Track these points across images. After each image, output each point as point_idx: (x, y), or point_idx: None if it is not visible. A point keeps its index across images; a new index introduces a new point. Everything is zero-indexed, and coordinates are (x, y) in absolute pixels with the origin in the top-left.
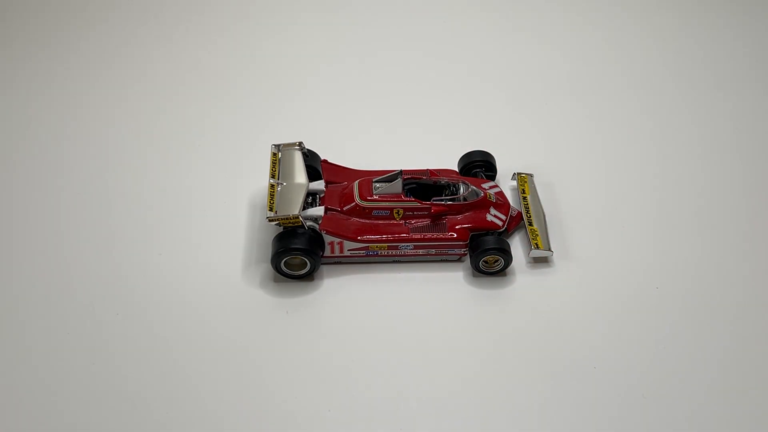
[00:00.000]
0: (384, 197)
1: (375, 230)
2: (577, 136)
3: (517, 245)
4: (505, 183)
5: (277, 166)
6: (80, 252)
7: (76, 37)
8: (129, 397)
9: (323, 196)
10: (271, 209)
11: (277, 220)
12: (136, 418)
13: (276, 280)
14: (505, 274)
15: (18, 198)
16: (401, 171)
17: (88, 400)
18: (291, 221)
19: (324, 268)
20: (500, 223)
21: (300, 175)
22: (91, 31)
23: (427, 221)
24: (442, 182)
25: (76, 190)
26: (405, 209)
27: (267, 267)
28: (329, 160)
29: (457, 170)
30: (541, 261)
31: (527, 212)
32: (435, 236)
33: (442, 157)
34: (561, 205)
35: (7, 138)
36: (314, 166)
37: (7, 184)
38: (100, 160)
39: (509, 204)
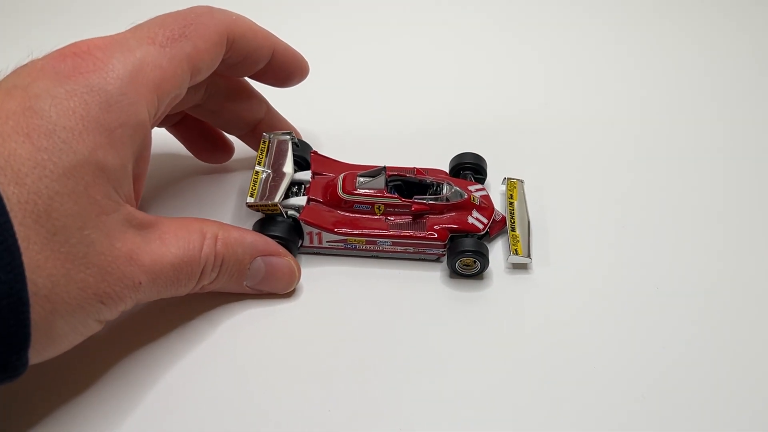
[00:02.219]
0: (366, 192)
1: (354, 224)
2: (574, 142)
3: (498, 250)
4: (498, 188)
5: (265, 154)
6: None
7: (64, 21)
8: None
9: (308, 187)
10: (251, 195)
11: (257, 206)
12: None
13: None
14: (482, 278)
15: None
16: (385, 167)
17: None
18: (270, 208)
19: (303, 258)
20: (481, 226)
21: (286, 164)
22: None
23: (407, 219)
24: (427, 181)
25: None
26: (386, 205)
27: None
28: (319, 152)
29: (447, 170)
30: (521, 267)
31: (511, 218)
32: (413, 234)
33: (437, 155)
34: (552, 212)
35: None
36: (304, 156)
37: None
38: None
39: (493, 208)
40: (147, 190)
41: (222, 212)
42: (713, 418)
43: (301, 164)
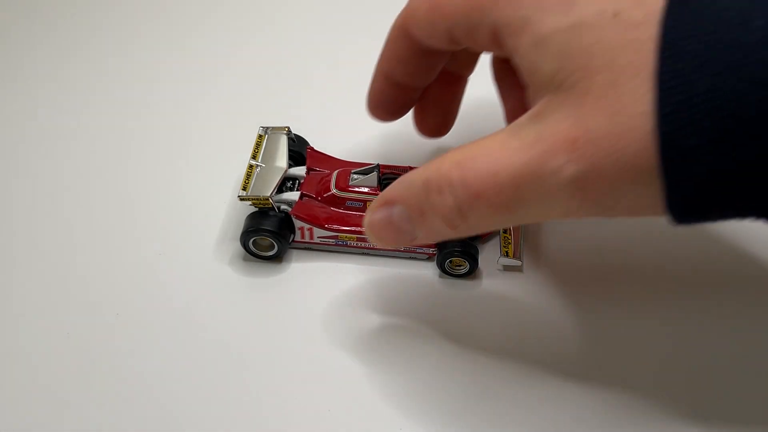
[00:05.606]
0: (359, 189)
1: (345, 220)
2: None
3: (490, 251)
4: None
5: (260, 148)
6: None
7: (51, 17)
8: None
9: (302, 182)
10: (244, 188)
11: (248, 199)
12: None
13: (245, 259)
14: (471, 278)
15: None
16: (378, 165)
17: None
18: (261, 202)
19: (294, 253)
20: None
21: (281, 159)
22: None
23: None
24: None
25: (54, 174)
26: None
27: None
28: (315, 148)
29: None
30: (512, 270)
31: None
32: None
33: (434, 155)
34: None
35: None
36: (300, 152)
37: None
38: (82, 141)
39: None
40: (142, 180)
41: (216, 204)
42: (715, 418)
43: (297, 159)
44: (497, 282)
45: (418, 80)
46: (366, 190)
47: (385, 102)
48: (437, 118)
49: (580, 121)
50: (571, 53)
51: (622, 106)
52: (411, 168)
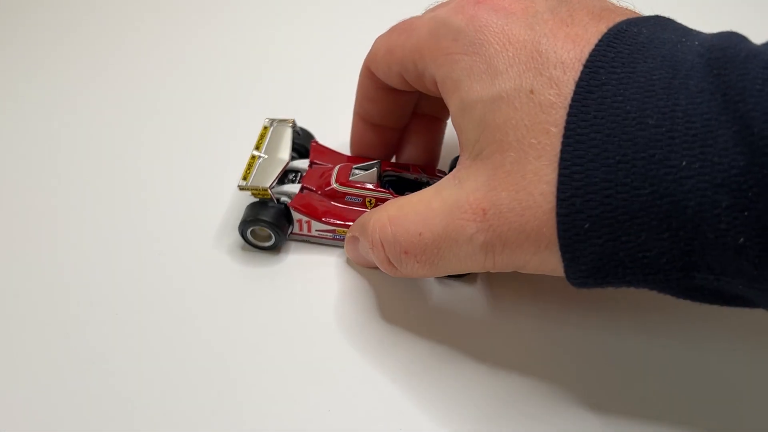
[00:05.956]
0: (359, 184)
1: (343, 215)
2: None
3: None
4: None
5: (264, 139)
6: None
7: (53, 11)
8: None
9: (304, 175)
10: (244, 178)
11: (248, 189)
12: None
13: (244, 249)
14: (469, 279)
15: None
16: (379, 161)
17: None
18: (261, 193)
19: (293, 245)
20: None
21: (284, 151)
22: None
23: None
24: (423, 179)
25: (56, 170)
26: (378, 199)
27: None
28: (320, 143)
29: (446, 170)
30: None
31: None
32: None
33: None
34: None
35: None
36: (305, 145)
37: None
38: (80, 135)
39: None
40: (143, 174)
41: (219, 195)
42: (719, 416)
43: (301, 152)
44: (500, 282)
45: (390, 120)
46: (366, 185)
47: (367, 145)
48: (418, 158)
49: (491, 194)
50: (489, 126)
51: (527, 184)
52: (411, 165)
